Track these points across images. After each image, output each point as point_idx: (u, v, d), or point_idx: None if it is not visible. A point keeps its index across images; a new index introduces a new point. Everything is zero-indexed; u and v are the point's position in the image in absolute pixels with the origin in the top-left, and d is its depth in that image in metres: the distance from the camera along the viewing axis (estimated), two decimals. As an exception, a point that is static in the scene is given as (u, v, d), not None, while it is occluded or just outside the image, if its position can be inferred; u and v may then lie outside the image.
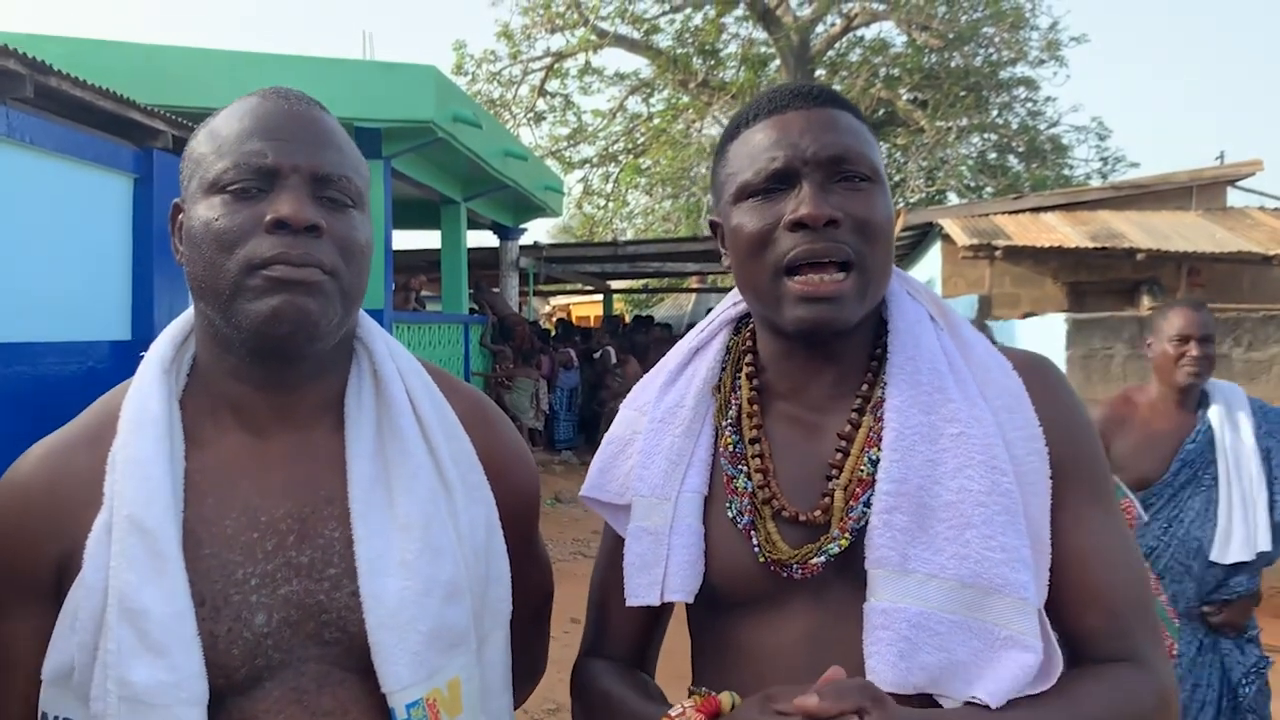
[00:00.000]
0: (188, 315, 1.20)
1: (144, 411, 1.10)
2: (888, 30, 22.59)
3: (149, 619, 1.01)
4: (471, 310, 13.48)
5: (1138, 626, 1.12)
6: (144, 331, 5.99)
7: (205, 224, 1.07)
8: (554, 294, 26.75)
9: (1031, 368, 1.20)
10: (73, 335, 5.47)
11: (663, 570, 1.20)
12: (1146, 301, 10.32)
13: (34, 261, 5.20)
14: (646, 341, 15.75)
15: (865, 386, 1.20)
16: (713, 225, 1.28)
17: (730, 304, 1.35)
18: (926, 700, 1.08)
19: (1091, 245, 10.01)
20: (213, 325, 1.12)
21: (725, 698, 1.10)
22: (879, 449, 1.14)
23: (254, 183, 1.06)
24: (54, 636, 1.06)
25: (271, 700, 1.06)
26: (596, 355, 14.66)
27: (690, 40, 22.53)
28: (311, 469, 1.13)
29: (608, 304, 23.37)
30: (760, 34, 22.18)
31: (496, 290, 14.53)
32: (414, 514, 1.11)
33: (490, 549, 1.19)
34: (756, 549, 1.16)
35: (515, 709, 1.31)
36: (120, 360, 5.81)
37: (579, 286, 23.36)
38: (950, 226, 10.87)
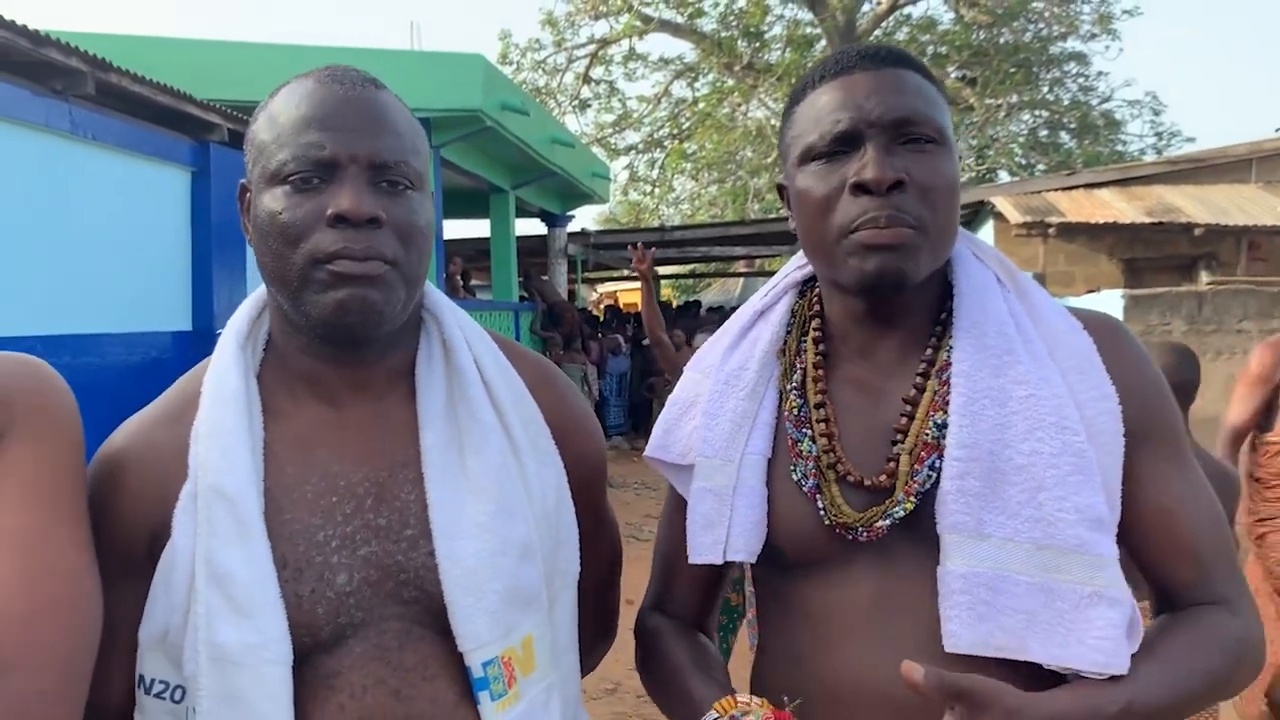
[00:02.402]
0: (261, 292, 1.24)
1: (223, 387, 1.14)
2: (935, 7, 22.50)
3: (235, 583, 1.06)
4: (521, 298, 13.57)
5: (1223, 575, 1.14)
6: (204, 321, 6.13)
7: (270, 216, 1.09)
8: (602, 281, 26.80)
9: (1101, 327, 1.19)
10: (136, 326, 5.62)
11: (725, 530, 1.22)
12: (1205, 277, 10.12)
13: (98, 255, 5.34)
14: (694, 325, 15.75)
15: (930, 350, 1.20)
16: (780, 189, 1.29)
17: (795, 267, 1.36)
18: (1012, 667, 1.08)
19: (1148, 221, 9.85)
20: (281, 307, 1.16)
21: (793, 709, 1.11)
22: (944, 413, 1.15)
23: (313, 173, 1.08)
24: (149, 602, 1.11)
25: (355, 657, 1.10)
26: (646, 342, 14.69)
27: (735, 23, 22.44)
28: (386, 436, 1.17)
29: (655, 290, 23.34)
30: (805, 15, 22.04)
31: (545, 278, 14.60)
32: (486, 477, 1.14)
33: (560, 511, 1.22)
34: (822, 511, 1.18)
35: (589, 671, 1.34)
36: (182, 349, 5.95)
37: (626, 273, 23.37)
38: (1002, 204, 10.75)
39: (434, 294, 1.25)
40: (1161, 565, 1.15)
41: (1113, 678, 1.04)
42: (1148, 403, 1.16)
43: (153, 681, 1.12)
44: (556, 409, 1.26)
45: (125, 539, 1.13)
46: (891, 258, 1.11)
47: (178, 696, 1.11)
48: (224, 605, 1.05)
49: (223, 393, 1.13)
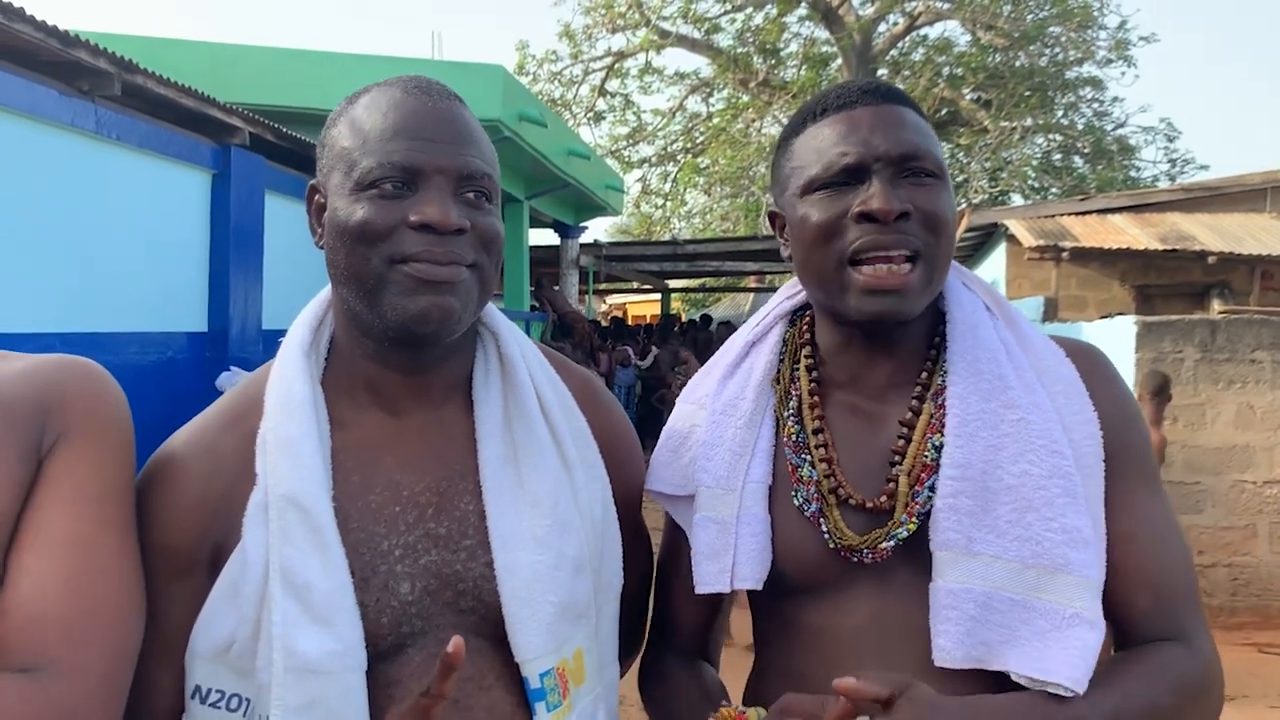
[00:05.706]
0: (322, 298, 1.25)
1: (290, 394, 1.13)
2: (952, 29, 22.43)
3: (313, 592, 1.05)
4: (532, 307, 13.60)
5: (1184, 608, 1.14)
6: (220, 323, 6.15)
7: (348, 218, 1.09)
8: (612, 292, 26.84)
9: (1084, 356, 1.23)
10: (152, 326, 5.64)
11: (731, 558, 1.24)
12: (1217, 305, 10.11)
13: (117, 254, 5.37)
14: (705, 339, 15.77)
15: (925, 375, 1.23)
16: (771, 217, 1.31)
17: (785, 297, 1.38)
18: (983, 676, 1.11)
19: (1161, 247, 9.85)
20: (352, 310, 1.15)
21: (752, 714, 1.14)
22: (941, 435, 1.17)
23: (399, 180, 1.09)
24: (210, 611, 1.10)
25: (414, 665, 1.11)
26: (647, 363, 14.74)
27: (751, 40, 22.49)
28: (444, 445, 1.18)
29: (665, 303, 23.40)
30: (822, 33, 22.08)
31: (557, 288, 14.63)
32: (542, 490, 1.16)
33: (606, 524, 1.23)
34: (826, 535, 1.20)
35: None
36: (197, 351, 5.97)
37: (637, 285, 23.41)
38: (1016, 227, 10.75)
39: (490, 308, 1.26)
40: (1120, 592, 1.14)
41: (1058, 698, 1.05)
42: (1124, 430, 1.19)
43: (209, 691, 1.11)
44: (602, 423, 1.28)
45: (184, 543, 1.12)
46: (892, 301, 1.15)
47: (234, 705, 1.10)
48: (302, 614, 1.05)
49: (290, 401, 1.13)
